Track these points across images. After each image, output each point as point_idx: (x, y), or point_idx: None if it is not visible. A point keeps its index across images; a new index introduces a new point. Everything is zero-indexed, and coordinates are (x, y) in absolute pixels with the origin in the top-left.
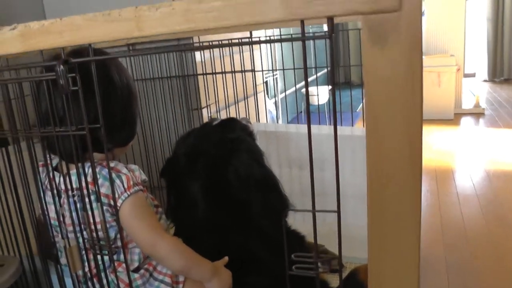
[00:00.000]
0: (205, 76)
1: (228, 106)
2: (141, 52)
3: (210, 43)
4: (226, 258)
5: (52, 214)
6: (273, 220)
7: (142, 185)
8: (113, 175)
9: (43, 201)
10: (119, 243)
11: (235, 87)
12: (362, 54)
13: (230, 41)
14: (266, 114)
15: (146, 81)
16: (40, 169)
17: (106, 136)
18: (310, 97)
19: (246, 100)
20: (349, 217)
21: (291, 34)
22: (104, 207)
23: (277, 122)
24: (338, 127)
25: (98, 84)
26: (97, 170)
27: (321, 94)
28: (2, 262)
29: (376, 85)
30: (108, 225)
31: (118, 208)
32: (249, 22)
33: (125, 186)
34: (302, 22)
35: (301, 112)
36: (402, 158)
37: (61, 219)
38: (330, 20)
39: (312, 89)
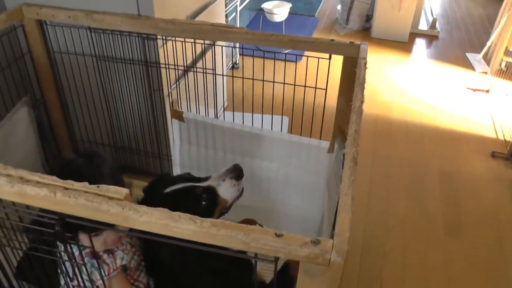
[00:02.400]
0: (166, 59)
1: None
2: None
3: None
4: None
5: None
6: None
7: (120, 269)
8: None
9: None
10: None
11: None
12: (297, 281)
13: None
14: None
15: (109, 61)
16: None
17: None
18: (269, 15)
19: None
20: (292, 199)
21: None
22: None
23: None
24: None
25: None
26: (87, 259)
27: (280, 13)
28: None
29: None
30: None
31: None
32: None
33: (106, 273)
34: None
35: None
36: None
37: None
38: (276, 259)
39: (270, 7)
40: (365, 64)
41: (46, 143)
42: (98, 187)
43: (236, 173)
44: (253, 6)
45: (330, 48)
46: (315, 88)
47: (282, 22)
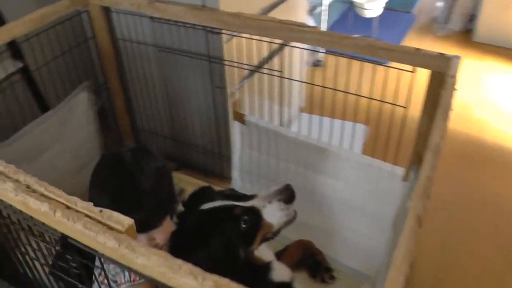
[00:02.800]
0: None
1: None
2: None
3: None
4: None
5: None
6: None
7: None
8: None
9: None
10: None
11: None
12: None
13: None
14: None
15: (172, 52)
16: None
17: None
18: (360, 10)
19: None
20: (355, 224)
21: None
22: None
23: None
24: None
25: None
26: None
27: (372, 8)
28: None
29: None
30: None
31: None
32: None
33: (132, 279)
34: None
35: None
36: None
37: None
38: None
39: (362, 1)
40: (454, 84)
41: (107, 129)
42: (101, 211)
43: (286, 195)
44: None
45: (414, 59)
46: (393, 104)
47: (374, 18)
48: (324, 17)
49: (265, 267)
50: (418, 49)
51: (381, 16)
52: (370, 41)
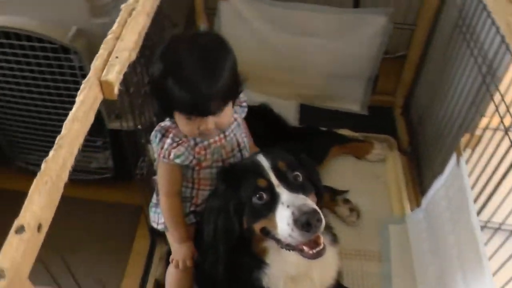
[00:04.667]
0: None
1: None
2: None
3: None
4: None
5: None
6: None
7: (172, 162)
8: (157, 140)
9: None
10: None
11: None
12: None
13: None
14: None
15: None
16: None
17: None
18: None
19: None
20: None
21: None
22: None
23: None
24: None
25: None
26: (157, 129)
27: None
28: None
29: None
30: None
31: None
32: None
33: (158, 153)
34: None
35: None
36: None
37: None
38: None
39: None
40: None
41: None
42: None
43: (300, 219)
44: None
45: None
46: None
47: None
48: None
49: (257, 263)
50: None
51: None
52: None
